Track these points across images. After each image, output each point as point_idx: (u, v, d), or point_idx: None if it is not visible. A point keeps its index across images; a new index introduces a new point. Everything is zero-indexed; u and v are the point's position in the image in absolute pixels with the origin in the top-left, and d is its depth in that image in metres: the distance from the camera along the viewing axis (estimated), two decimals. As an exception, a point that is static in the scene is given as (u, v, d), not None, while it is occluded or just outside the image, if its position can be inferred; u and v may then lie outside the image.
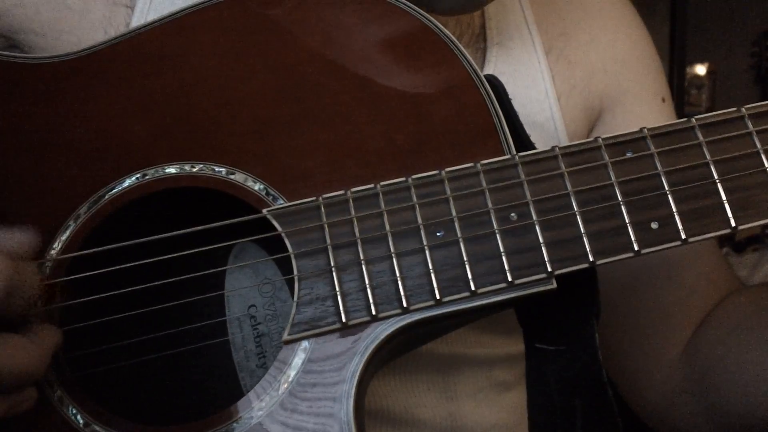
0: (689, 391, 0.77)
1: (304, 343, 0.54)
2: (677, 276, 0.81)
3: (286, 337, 0.54)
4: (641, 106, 0.85)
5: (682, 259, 0.80)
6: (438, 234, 0.55)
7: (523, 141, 0.58)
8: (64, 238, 0.57)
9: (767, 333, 0.68)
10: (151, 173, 0.58)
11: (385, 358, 0.58)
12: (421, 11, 0.59)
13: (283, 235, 0.55)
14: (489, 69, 0.79)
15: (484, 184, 0.56)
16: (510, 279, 0.54)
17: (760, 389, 0.68)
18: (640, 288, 0.82)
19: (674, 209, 0.55)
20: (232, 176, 0.57)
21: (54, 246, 0.57)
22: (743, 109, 0.57)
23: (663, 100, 0.87)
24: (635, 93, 0.85)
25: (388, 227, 0.55)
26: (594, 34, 0.85)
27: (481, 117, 0.58)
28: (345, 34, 0.59)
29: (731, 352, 0.72)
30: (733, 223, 0.55)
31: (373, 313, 0.54)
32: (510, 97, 0.60)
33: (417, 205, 0.55)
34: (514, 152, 0.57)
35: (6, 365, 0.47)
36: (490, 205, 0.55)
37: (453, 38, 0.59)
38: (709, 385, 0.75)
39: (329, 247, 0.55)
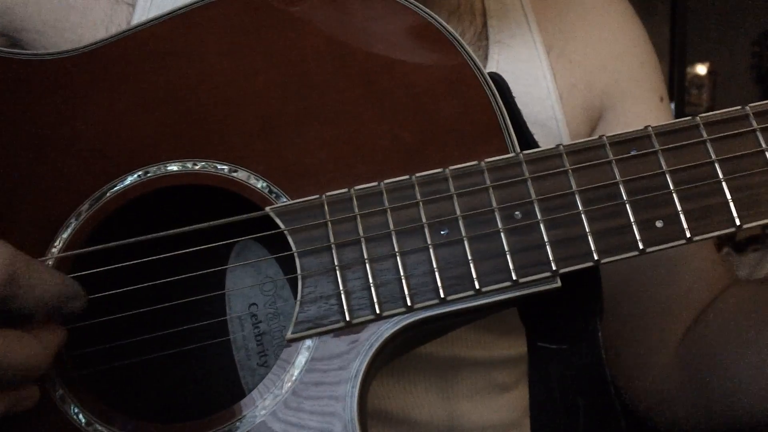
0: (688, 386, 0.78)
1: (308, 342, 0.54)
2: (675, 272, 0.81)
3: (289, 335, 0.54)
4: (639, 104, 0.85)
5: (680, 256, 0.81)
6: (442, 232, 0.55)
7: (526, 139, 0.58)
8: (65, 236, 0.56)
9: (762, 331, 0.68)
10: (153, 171, 0.58)
11: (388, 357, 0.57)
12: (426, 9, 0.59)
13: (286, 233, 0.55)
14: (491, 67, 0.79)
15: (488, 182, 0.55)
16: (515, 277, 0.54)
17: (756, 386, 0.68)
18: (639, 284, 0.82)
19: (679, 208, 0.55)
20: (234, 174, 0.57)
21: (55, 244, 0.56)
22: (748, 108, 0.57)
23: (661, 99, 0.87)
24: (633, 92, 0.85)
25: (392, 225, 0.55)
26: (592, 33, 0.85)
27: (486, 115, 0.57)
28: (350, 31, 0.59)
29: (726, 350, 0.72)
30: (738, 222, 0.55)
31: (377, 311, 0.53)
32: (513, 95, 0.59)
33: (421, 203, 0.55)
34: (519, 150, 0.57)
35: (5, 357, 0.46)
36: (494, 203, 0.55)
37: (457, 36, 0.59)
38: (705, 382, 0.75)
39: (333, 246, 0.54)
